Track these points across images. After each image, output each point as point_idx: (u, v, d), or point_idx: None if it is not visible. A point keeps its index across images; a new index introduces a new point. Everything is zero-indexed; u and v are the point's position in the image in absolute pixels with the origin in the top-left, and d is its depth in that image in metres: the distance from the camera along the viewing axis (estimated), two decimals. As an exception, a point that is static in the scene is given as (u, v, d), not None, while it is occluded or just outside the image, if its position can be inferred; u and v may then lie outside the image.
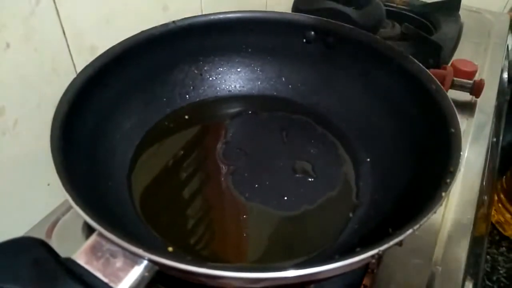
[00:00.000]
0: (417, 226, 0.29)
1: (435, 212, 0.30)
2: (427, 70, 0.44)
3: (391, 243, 0.28)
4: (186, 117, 0.53)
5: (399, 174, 0.42)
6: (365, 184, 0.45)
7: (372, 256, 0.27)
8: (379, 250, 0.27)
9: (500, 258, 1.15)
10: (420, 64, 0.45)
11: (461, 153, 0.35)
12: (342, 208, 0.43)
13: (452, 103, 0.40)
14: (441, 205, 0.31)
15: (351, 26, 0.51)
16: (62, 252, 0.28)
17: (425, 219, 0.29)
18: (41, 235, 0.45)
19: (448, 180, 0.32)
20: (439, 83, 0.42)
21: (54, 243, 0.44)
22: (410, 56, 0.46)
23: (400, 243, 0.28)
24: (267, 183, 0.46)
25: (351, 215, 0.43)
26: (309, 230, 0.41)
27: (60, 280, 0.25)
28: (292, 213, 0.43)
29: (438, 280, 0.43)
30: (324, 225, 0.42)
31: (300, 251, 0.40)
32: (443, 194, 0.31)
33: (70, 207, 0.37)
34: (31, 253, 0.27)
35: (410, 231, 0.28)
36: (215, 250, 0.39)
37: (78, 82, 0.40)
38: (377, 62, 0.49)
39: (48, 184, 0.48)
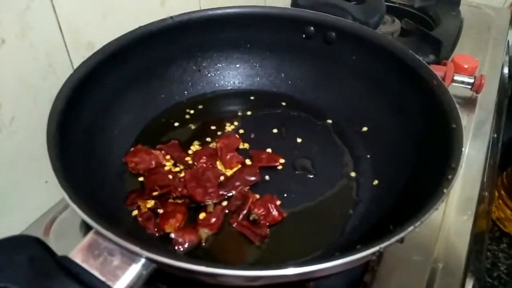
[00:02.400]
0: (419, 223, 0.28)
1: (436, 209, 0.30)
2: (428, 66, 0.44)
3: (392, 240, 0.27)
4: (184, 113, 0.53)
5: (399, 170, 0.42)
6: (365, 181, 0.45)
7: (373, 253, 0.27)
8: (380, 247, 0.27)
9: (500, 254, 1.15)
10: (421, 59, 0.44)
11: (463, 149, 0.34)
12: (342, 205, 0.43)
13: (453, 98, 0.39)
14: (442, 201, 0.30)
15: (351, 21, 0.51)
16: (60, 250, 0.27)
17: (426, 215, 0.29)
18: (38, 232, 0.45)
19: (449, 177, 0.32)
20: (440, 78, 0.42)
21: (51, 241, 0.44)
22: (411, 51, 0.45)
23: (401, 240, 0.28)
24: (267, 179, 0.45)
25: (351, 212, 0.42)
26: (309, 227, 0.41)
27: (56, 278, 0.25)
28: (292, 210, 0.42)
29: (439, 277, 0.42)
30: (324, 222, 0.42)
31: (299, 248, 0.39)
32: (445, 190, 0.31)
33: (69, 205, 0.37)
34: (27, 251, 0.26)
35: (411, 228, 0.28)
36: (214, 255, 0.39)
37: (75, 78, 0.39)
38: (378, 58, 0.48)
39: (46, 182, 0.47)
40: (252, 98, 0.56)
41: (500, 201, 1.19)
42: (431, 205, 0.30)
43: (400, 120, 0.45)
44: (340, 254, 0.27)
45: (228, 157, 0.46)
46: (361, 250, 0.27)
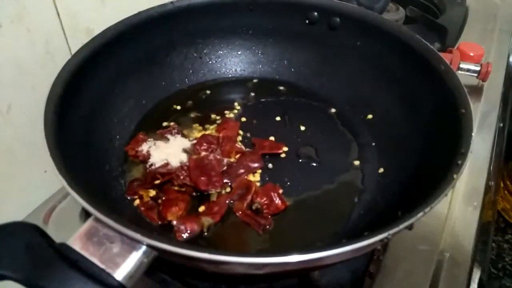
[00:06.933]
0: (428, 208, 0.27)
1: (446, 195, 0.29)
2: (435, 50, 0.42)
3: (401, 226, 0.26)
4: (185, 101, 0.52)
5: (406, 157, 0.41)
6: (371, 169, 0.44)
7: (381, 240, 0.26)
8: (389, 234, 0.26)
9: (505, 245, 1.14)
10: (428, 44, 0.43)
11: (472, 133, 0.33)
12: (347, 193, 0.42)
13: (462, 83, 0.38)
14: (452, 187, 0.29)
15: (356, 5, 0.50)
16: (59, 240, 0.26)
17: (436, 201, 0.28)
18: (38, 221, 0.44)
19: (459, 162, 0.31)
20: (448, 63, 0.40)
21: (51, 230, 0.43)
22: (418, 36, 0.44)
23: (410, 227, 0.27)
24: (270, 167, 0.44)
25: (356, 200, 0.41)
26: (313, 216, 0.40)
27: (54, 265, 0.24)
28: (296, 199, 0.41)
29: (445, 267, 0.42)
30: (328, 211, 0.41)
31: (303, 237, 0.38)
32: (455, 176, 0.30)
33: (68, 194, 0.36)
34: (24, 238, 0.25)
35: (421, 213, 0.27)
36: (216, 244, 0.38)
37: (73, 63, 0.38)
38: (383, 43, 0.47)
39: (45, 171, 0.47)
40: (254, 85, 0.55)
41: (506, 192, 1.18)
42: (440, 190, 0.29)
43: (406, 106, 0.44)
44: (346, 241, 0.26)
45: (228, 147, 0.45)
46: (369, 236, 0.26)
